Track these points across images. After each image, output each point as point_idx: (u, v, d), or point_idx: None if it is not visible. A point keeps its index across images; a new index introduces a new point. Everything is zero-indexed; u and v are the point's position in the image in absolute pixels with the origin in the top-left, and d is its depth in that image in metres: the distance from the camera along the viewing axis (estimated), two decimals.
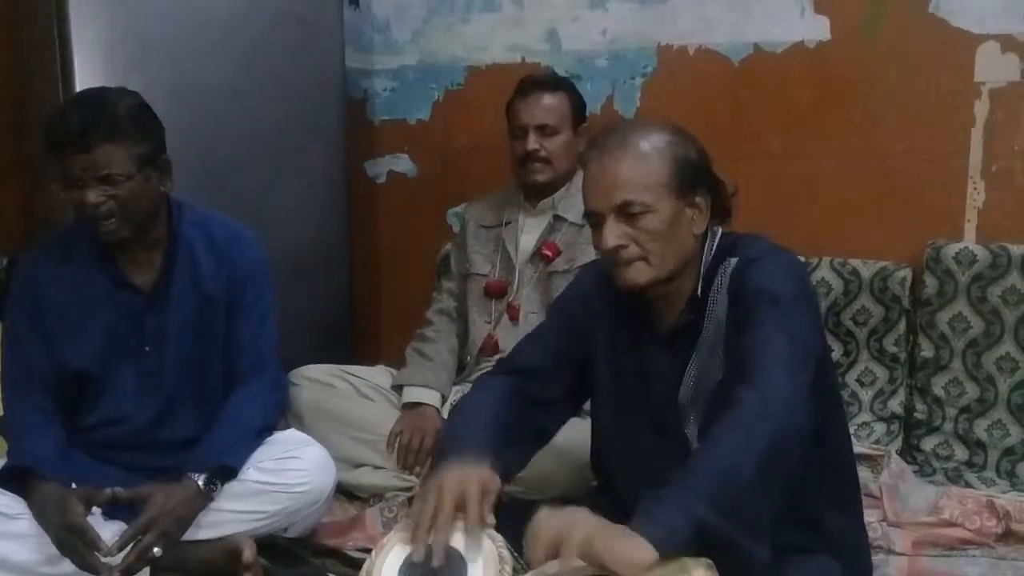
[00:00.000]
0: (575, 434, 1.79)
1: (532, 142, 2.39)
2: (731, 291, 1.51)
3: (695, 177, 1.53)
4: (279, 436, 2.02)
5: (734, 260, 1.53)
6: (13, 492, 1.80)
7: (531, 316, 2.41)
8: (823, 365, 1.51)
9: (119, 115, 1.78)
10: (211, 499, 1.84)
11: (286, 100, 2.65)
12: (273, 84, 2.62)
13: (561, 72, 2.73)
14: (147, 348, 1.95)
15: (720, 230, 1.60)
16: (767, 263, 1.50)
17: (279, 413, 2.14)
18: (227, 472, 1.86)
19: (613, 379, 1.64)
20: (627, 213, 1.49)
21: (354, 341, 2.98)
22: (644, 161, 1.50)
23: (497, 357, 2.40)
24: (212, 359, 1.99)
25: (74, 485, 1.81)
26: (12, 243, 2.73)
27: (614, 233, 1.50)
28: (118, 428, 1.95)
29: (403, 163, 3.13)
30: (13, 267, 2.58)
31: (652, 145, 1.51)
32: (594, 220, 1.54)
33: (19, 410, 1.91)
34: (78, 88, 2.29)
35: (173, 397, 1.97)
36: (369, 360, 2.75)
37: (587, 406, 1.78)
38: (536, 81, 2.49)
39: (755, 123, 2.58)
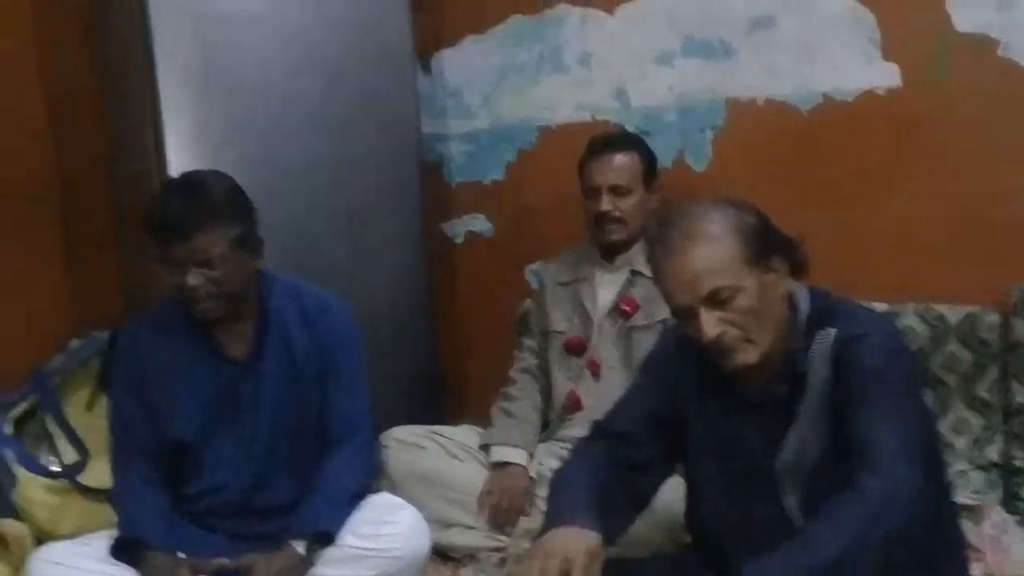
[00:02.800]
0: (669, 493, 1.80)
1: (606, 203, 2.43)
2: (835, 365, 1.50)
3: (764, 242, 1.53)
4: (374, 500, 2.06)
5: (833, 331, 1.52)
6: (125, 563, 1.87)
7: (612, 372, 2.44)
8: (931, 429, 1.51)
9: (216, 202, 1.88)
10: (311, 565, 1.89)
11: (366, 169, 2.75)
12: (354, 154, 2.72)
13: (631, 128, 2.77)
14: (243, 417, 2.02)
15: (808, 290, 1.60)
16: (876, 339, 1.49)
17: (373, 477, 2.18)
18: (326, 538, 1.91)
19: (707, 443, 1.65)
20: (717, 300, 1.49)
21: (439, 401, 3.03)
22: (714, 245, 1.50)
23: (579, 414, 2.45)
24: (306, 426, 2.05)
25: (181, 555, 1.88)
26: (112, 318, 2.86)
27: (711, 323, 1.49)
28: (218, 496, 2.02)
29: (480, 223, 3.20)
30: (114, 341, 2.71)
31: (716, 226, 1.51)
32: (684, 315, 1.54)
33: (127, 481, 1.99)
34: (171, 165, 2.44)
35: (269, 464, 2.03)
36: (455, 419, 2.80)
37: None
38: (606, 141, 2.54)
39: (829, 171, 2.58)
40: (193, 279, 1.86)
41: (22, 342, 2.71)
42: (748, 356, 1.50)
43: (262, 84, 2.54)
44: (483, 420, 2.60)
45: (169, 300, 2.08)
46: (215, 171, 1.97)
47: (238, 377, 2.01)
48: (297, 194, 2.60)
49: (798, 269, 1.58)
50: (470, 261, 3.24)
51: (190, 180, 1.94)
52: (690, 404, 1.66)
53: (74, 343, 2.72)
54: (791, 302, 1.58)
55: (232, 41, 2.49)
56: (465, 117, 3.15)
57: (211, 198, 1.88)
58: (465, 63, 3.11)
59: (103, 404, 2.68)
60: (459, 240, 3.24)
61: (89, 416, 2.64)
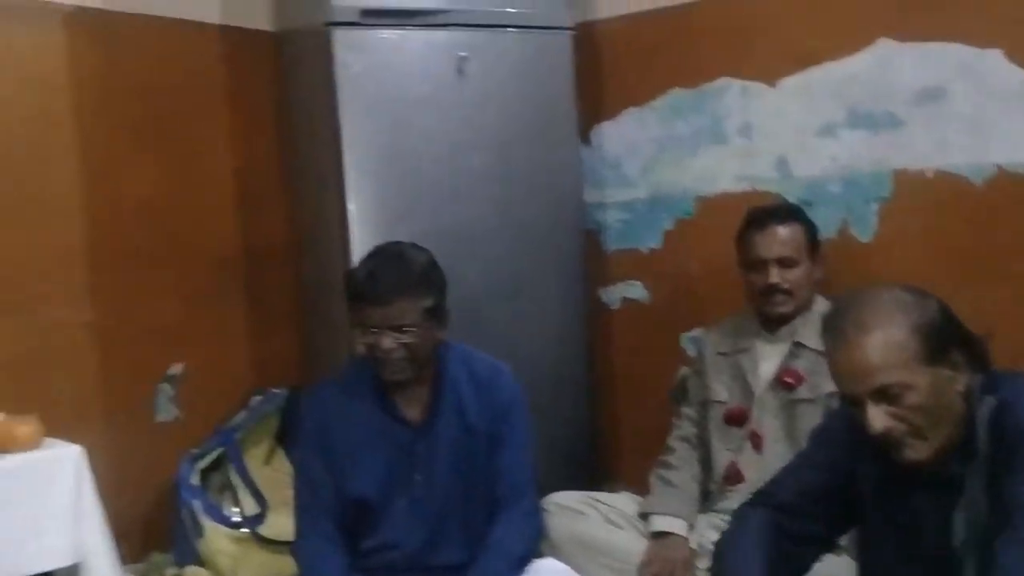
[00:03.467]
0: (829, 568, 1.78)
1: (773, 275, 2.43)
2: (992, 432, 1.46)
3: (944, 337, 1.48)
4: (539, 565, 2.11)
5: (992, 399, 1.48)
6: None
7: (775, 445, 2.41)
8: None
9: (416, 272, 2.02)
10: None
11: (530, 237, 2.86)
12: (519, 223, 2.84)
13: (792, 199, 2.78)
14: (417, 477, 2.11)
15: (980, 376, 1.55)
16: None
17: (538, 541, 2.24)
18: None
19: (882, 521, 1.62)
20: (886, 396, 1.46)
21: (595, 465, 3.06)
22: (888, 339, 1.45)
23: (740, 486, 2.43)
24: (475, 487, 2.13)
25: None
26: (290, 377, 3.05)
27: (879, 418, 1.46)
28: (392, 553, 2.11)
29: (636, 290, 3.24)
30: (292, 399, 2.88)
31: (891, 319, 1.47)
32: (852, 402, 1.52)
33: (310, 538, 2.10)
34: (354, 238, 2.59)
35: (441, 524, 2.11)
36: (609, 484, 2.83)
37: (840, 540, 1.77)
38: (770, 213, 2.54)
39: (1005, 244, 2.51)
40: (388, 342, 1.99)
41: (211, 398, 2.92)
42: (917, 453, 1.47)
43: (437, 160, 2.69)
44: (638, 486, 2.61)
45: (353, 363, 2.21)
46: (413, 243, 2.11)
47: (413, 439, 2.11)
48: (466, 262, 2.71)
49: (980, 362, 1.53)
50: (625, 327, 3.29)
51: (392, 250, 2.08)
52: (865, 487, 1.64)
53: (255, 400, 2.91)
54: (968, 393, 1.52)
55: (411, 121, 2.65)
56: (623, 186, 3.22)
57: (412, 268, 2.02)
58: (624, 134, 3.19)
59: (280, 458, 2.86)
60: (615, 306, 3.29)
61: (267, 470, 2.81)
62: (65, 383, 2.60)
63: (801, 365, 2.42)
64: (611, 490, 2.68)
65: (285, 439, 2.91)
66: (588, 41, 3.08)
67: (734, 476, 2.47)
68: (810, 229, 2.52)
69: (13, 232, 2.55)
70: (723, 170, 3.00)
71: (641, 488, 2.57)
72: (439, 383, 2.13)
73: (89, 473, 2.17)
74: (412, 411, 2.12)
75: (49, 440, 2.19)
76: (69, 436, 2.26)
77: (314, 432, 2.15)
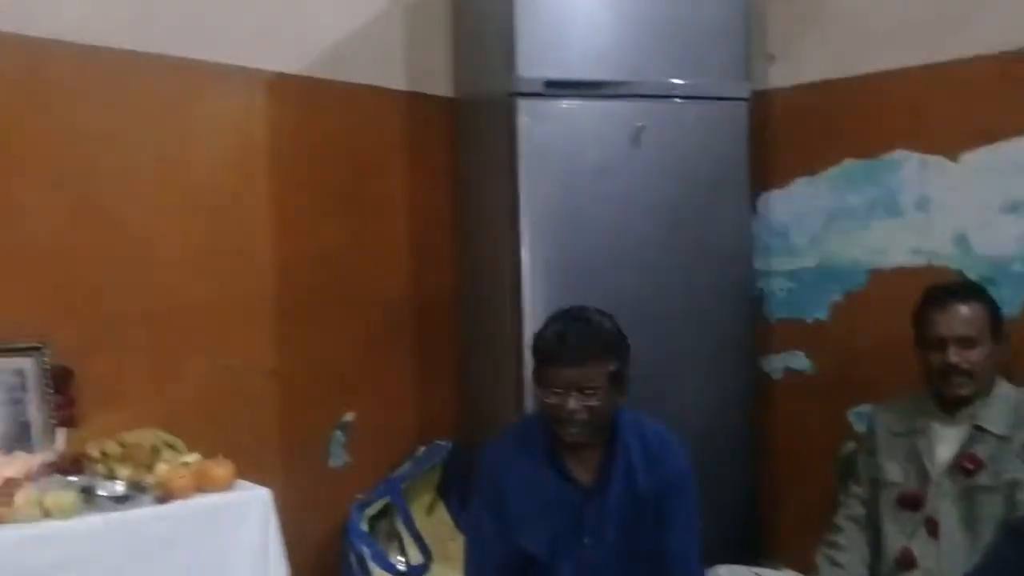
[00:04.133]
0: None
1: (952, 355, 2.36)
2: None
3: None
4: None
5: None
6: None
7: (952, 532, 2.33)
8: None
9: (604, 337, 2.09)
10: None
11: (697, 302, 2.87)
12: (686, 288, 2.86)
13: (972, 277, 2.70)
14: (586, 540, 2.14)
15: None
16: None
17: None
18: None
19: None
20: None
21: (755, 539, 3.01)
22: None
23: (913, 572, 2.35)
24: (640, 555, 2.14)
25: None
26: (451, 428, 3.13)
27: None
28: None
29: (799, 360, 3.20)
30: (455, 451, 2.96)
31: None
32: None
33: None
34: (526, 297, 2.67)
35: None
36: (769, 558, 2.78)
37: None
38: (951, 290, 2.48)
39: None
40: (573, 403, 2.05)
41: (379, 445, 3.03)
42: None
43: (609, 226, 2.75)
44: (798, 562, 2.56)
45: (525, 422, 2.27)
46: (598, 308, 2.17)
47: (584, 502, 2.14)
48: (632, 327, 2.72)
49: None
50: (787, 398, 3.24)
51: (579, 314, 2.16)
52: None
53: (420, 451, 3.00)
54: None
55: (586, 187, 2.72)
56: (790, 255, 3.20)
57: (600, 332, 2.09)
58: (794, 203, 3.18)
59: (441, 510, 2.93)
60: (776, 376, 3.25)
61: (429, 520, 2.89)
62: (249, 427, 2.75)
63: (981, 450, 2.34)
64: (770, 564, 2.63)
65: (447, 491, 2.99)
66: (761, 110, 3.09)
67: (907, 562, 2.39)
68: (993, 308, 2.44)
69: (211, 280, 2.73)
70: (897, 244, 2.94)
71: (802, 564, 2.52)
72: (611, 448, 2.16)
73: (274, 515, 2.28)
74: (583, 474, 2.16)
75: (239, 482, 2.31)
76: (251, 478, 2.38)
77: (488, 489, 2.21)
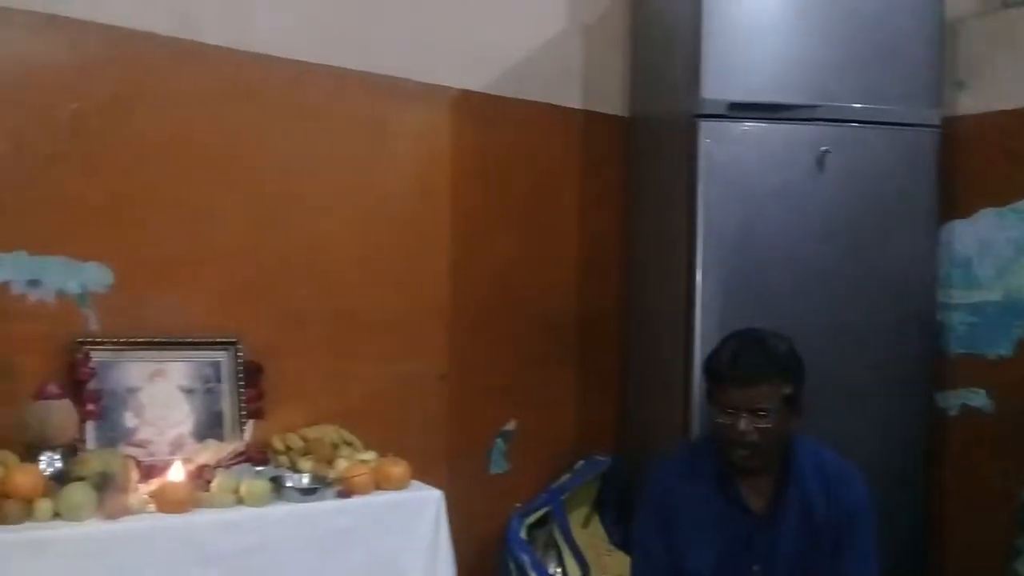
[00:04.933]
0: None
1: None
2: None
3: None
4: None
5: None
6: None
7: None
8: None
9: (781, 358, 2.06)
10: None
11: (875, 335, 2.80)
12: (864, 318, 2.78)
13: None
14: (755, 568, 2.11)
15: None
16: None
17: None
18: None
19: None
20: None
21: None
22: None
23: None
24: None
25: None
26: (608, 443, 3.15)
27: None
28: None
29: (978, 398, 3.05)
30: (614, 467, 2.97)
31: None
32: None
33: None
34: (697, 327, 2.68)
35: None
36: None
37: None
38: None
39: None
40: (744, 425, 2.03)
41: (538, 456, 3.08)
42: None
43: (788, 251, 2.71)
44: None
45: (695, 443, 2.26)
46: (775, 331, 2.14)
47: (754, 529, 2.11)
48: (806, 355, 2.68)
49: None
50: (963, 437, 3.09)
51: (754, 335, 2.14)
52: None
53: (579, 464, 3.02)
54: None
55: (767, 211, 2.70)
56: (972, 288, 3.06)
57: (775, 354, 2.07)
58: (979, 234, 3.04)
59: (596, 524, 2.94)
60: (952, 413, 3.12)
61: (584, 533, 2.90)
62: (418, 429, 2.84)
63: None
64: None
65: (603, 506, 3.00)
66: (948, 137, 2.99)
67: None
68: None
69: (391, 286, 2.83)
70: None
71: None
72: (785, 475, 2.12)
73: (446, 516, 2.35)
74: (755, 500, 2.13)
75: (413, 482, 2.39)
76: (417, 479, 2.44)
77: (656, 509, 2.20)
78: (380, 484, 2.32)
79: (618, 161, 3.23)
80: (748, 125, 2.68)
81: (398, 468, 2.35)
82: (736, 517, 2.13)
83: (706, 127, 2.65)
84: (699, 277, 2.67)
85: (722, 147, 2.66)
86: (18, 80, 2.29)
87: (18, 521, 1.90)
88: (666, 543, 2.16)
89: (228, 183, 2.57)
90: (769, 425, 2.03)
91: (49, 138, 2.33)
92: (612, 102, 3.24)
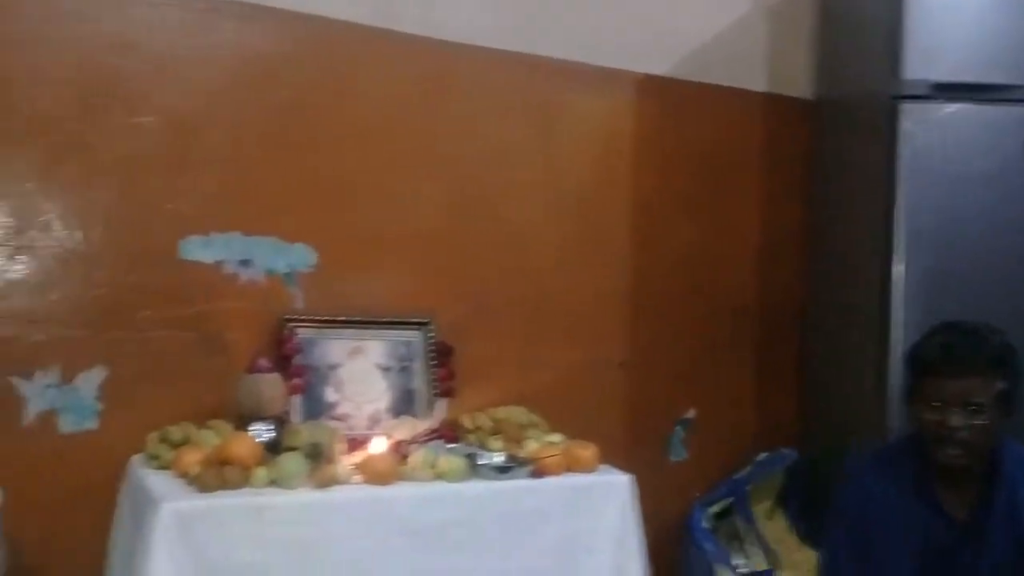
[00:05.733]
0: None
1: None
2: None
3: None
4: None
5: None
6: None
7: None
8: None
9: (995, 351, 1.94)
10: None
11: None
12: None
13: None
14: None
15: None
16: None
17: None
18: None
19: None
20: None
21: None
22: None
23: None
24: None
25: None
26: (788, 436, 3.08)
27: None
28: None
29: None
30: (799, 462, 2.90)
31: None
32: None
33: None
34: (896, 319, 2.59)
35: None
36: None
37: None
38: None
39: None
40: (956, 420, 1.91)
41: (716, 446, 3.04)
42: None
43: (996, 240, 2.59)
44: None
45: (894, 444, 2.16)
46: (988, 323, 2.03)
47: (956, 538, 1.98)
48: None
49: None
50: None
51: (966, 326, 2.01)
52: None
53: (762, 456, 2.97)
54: None
55: (971, 197, 2.57)
56: None
57: (990, 346, 1.94)
58: None
59: (779, 518, 2.88)
60: None
61: (770, 525, 2.85)
62: (599, 414, 2.85)
63: None
64: None
65: (786, 500, 2.94)
66: None
67: None
68: None
69: (575, 272, 2.85)
70: None
71: None
72: (991, 481, 1.99)
73: (634, 501, 2.35)
74: (956, 508, 2.00)
75: (601, 466, 2.40)
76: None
77: (848, 512, 2.09)
78: (570, 466, 2.34)
79: (804, 145, 3.15)
80: (953, 107, 2.56)
81: (588, 451, 2.36)
82: (936, 525, 1.99)
83: (907, 109, 2.55)
84: (897, 268, 2.56)
85: (925, 130, 2.55)
86: (231, 70, 2.43)
87: (237, 487, 2.01)
88: (858, 551, 2.04)
89: (426, 169, 2.65)
90: (984, 422, 1.91)
91: (260, 126, 2.46)
92: (798, 85, 3.16)
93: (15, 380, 2.21)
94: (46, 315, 2.24)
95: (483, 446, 2.45)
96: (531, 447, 2.41)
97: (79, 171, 2.27)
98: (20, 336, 2.21)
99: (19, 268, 2.22)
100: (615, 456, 2.55)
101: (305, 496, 2.03)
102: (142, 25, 2.32)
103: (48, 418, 2.24)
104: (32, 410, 2.22)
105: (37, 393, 2.23)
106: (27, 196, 2.22)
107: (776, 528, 2.84)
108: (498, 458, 2.30)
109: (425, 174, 2.65)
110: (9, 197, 2.20)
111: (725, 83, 3.07)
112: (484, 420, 2.55)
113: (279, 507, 2.00)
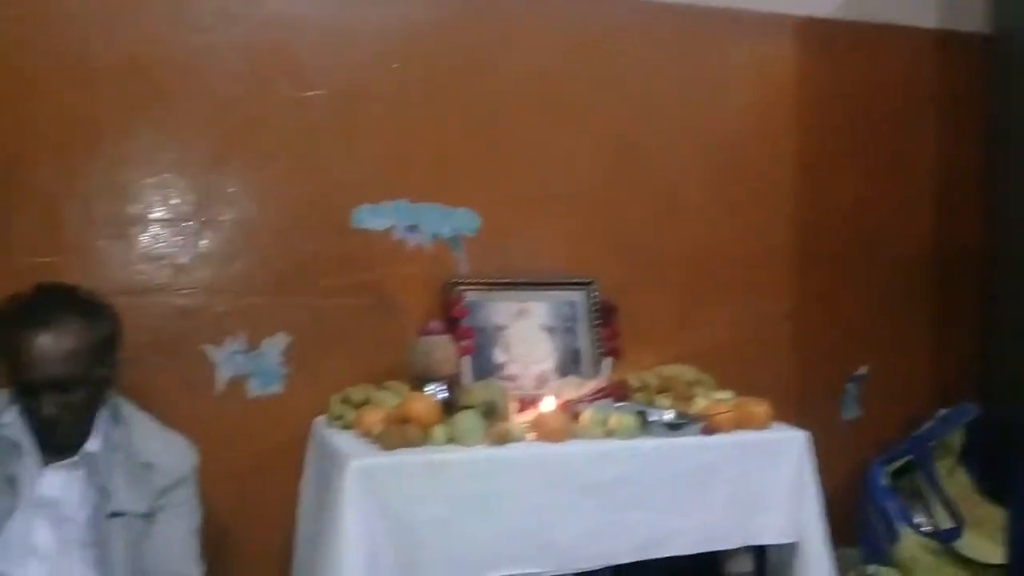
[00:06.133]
0: None
1: None
2: None
3: None
4: None
5: None
6: None
7: None
8: None
9: None
10: None
11: None
12: None
13: None
14: None
15: None
16: None
17: None
18: None
19: None
20: None
21: None
22: None
23: None
24: None
25: None
26: (971, 394, 2.92)
27: None
28: None
29: None
30: (981, 417, 2.76)
31: None
32: None
33: None
34: None
35: None
36: None
37: None
38: None
39: None
40: None
41: (892, 402, 2.94)
42: None
43: None
44: None
45: None
46: None
47: None
48: None
49: None
50: None
51: None
52: None
53: (941, 412, 2.84)
54: None
55: None
56: None
57: None
58: None
59: (961, 475, 2.76)
60: None
61: (951, 482, 2.73)
62: (767, 370, 2.79)
63: None
64: None
65: (967, 456, 2.81)
66: None
67: None
68: None
69: (737, 225, 2.80)
70: None
71: None
72: None
73: (811, 459, 2.29)
74: None
75: (774, 423, 2.35)
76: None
77: None
78: (741, 423, 2.30)
79: (981, 83, 2.96)
80: None
81: (760, 408, 2.32)
82: None
83: None
84: None
85: None
86: (394, 40, 2.48)
87: (418, 444, 2.07)
88: None
89: (584, 128, 2.65)
90: None
91: (422, 95, 2.50)
92: (972, 18, 2.98)
93: (207, 348, 2.35)
94: (231, 285, 2.36)
95: (651, 404, 2.44)
96: (701, 404, 2.39)
97: (256, 147, 2.37)
98: (209, 306, 2.35)
99: (204, 242, 2.35)
100: (785, 413, 2.50)
101: (482, 453, 2.08)
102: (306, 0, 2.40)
103: (238, 383, 2.38)
104: (223, 376, 2.36)
105: (227, 360, 2.36)
106: (209, 174, 2.34)
107: (957, 485, 2.72)
108: (668, 415, 2.29)
109: (583, 134, 2.65)
110: (193, 175, 2.33)
111: (892, 21, 2.92)
112: (651, 378, 2.53)
113: (458, 463, 2.05)
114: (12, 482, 1.83)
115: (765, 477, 2.27)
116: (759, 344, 2.82)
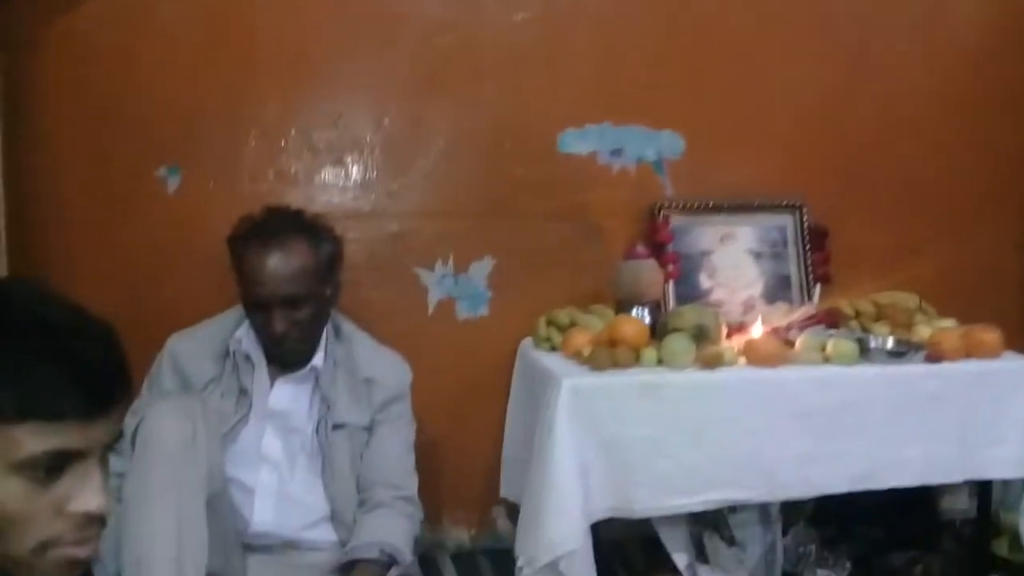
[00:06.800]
0: None
1: None
2: None
3: None
4: None
5: None
6: None
7: None
8: None
9: None
10: None
11: None
12: None
13: None
14: None
15: None
16: None
17: None
18: None
19: None
20: None
21: None
22: None
23: None
24: None
25: None
26: None
27: None
28: None
29: None
30: None
31: None
32: None
33: None
34: None
35: None
36: None
37: None
38: None
39: None
40: None
41: None
42: None
43: None
44: None
45: None
46: None
47: None
48: None
49: None
50: None
51: None
52: None
53: None
54: None
55: None
56: None
57: None
58: None
59: None
60: None
61: None
62: (993, 300, 2.60)
63: None
64: None
65: None
66: None
67: None
68: None
69: (961, 151, 2.63)
70: None
71: None
72: None
73: None
74: None
75: (1005, 352, 2.20)
76: None
77: None
78: (970, 351, 2.17)
79: None
80: None
81: (991, 335, 2.18)
82: None
83: None
84: None
85: None
86: None
87: (627, 366, 2.06)
88: None
89: (806, 43, 2.53)
90: None
91: (625, 17, 2.44)
92: None
93: (419, 271, 2.41)
94: (439, 209, 2.41)
95: (868, 331, 2.33)
96: (922, 332, 2.26)
97: (466, 71, 2.38)
98: (420, 229, 2.40)
99: (415, 169, 2.39)
100: (1017, 344, 2.34)
101: (693, 376, 2.05)
102: None
103: (447, 305, 2.43)
104: (434, 298, 2.42)
105: (436, 282, 2.42)
106: (419, 100, 2.37)
107: None
108: (889, 342, 2.18)
109: (804, 49, 2.53)
110: (405, 102, 2.37)
111: None
112: (866, 305, 2.42)
113: (669, 385, 2.03)
114: (245, 394, 1.95)
115: (996, 408, 2.14)
116: (985, 273, 2.65)
